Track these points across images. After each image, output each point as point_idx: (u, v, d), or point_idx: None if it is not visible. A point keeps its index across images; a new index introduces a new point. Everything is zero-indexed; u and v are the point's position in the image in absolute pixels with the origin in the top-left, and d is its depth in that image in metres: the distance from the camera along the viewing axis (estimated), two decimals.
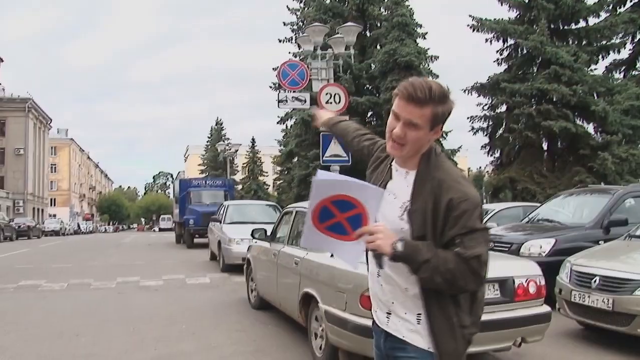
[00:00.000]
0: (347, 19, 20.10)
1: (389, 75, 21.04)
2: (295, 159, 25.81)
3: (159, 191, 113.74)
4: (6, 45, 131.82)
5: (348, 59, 12.55)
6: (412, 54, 20.68)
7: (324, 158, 9.70)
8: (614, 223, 6.63)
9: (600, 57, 19.98)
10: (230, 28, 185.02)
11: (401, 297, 1.71)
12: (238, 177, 49.21)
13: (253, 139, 48.59)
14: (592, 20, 19.64)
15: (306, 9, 24.99)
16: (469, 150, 28.95)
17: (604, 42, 19.70)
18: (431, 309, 1.65)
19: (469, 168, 59.41)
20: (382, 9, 23.96)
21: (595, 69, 19.89)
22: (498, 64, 20.58)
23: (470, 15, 19.72)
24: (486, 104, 20.46)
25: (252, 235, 6.71)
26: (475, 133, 20.62)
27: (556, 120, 17.37)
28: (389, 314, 1.75)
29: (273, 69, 22.40)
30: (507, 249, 6.57)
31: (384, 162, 1.85)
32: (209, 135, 60.94)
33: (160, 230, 56.00)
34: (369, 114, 23.76)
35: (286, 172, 31.62)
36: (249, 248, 7.22)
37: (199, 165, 60.53)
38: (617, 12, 20.24)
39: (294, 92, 10.86)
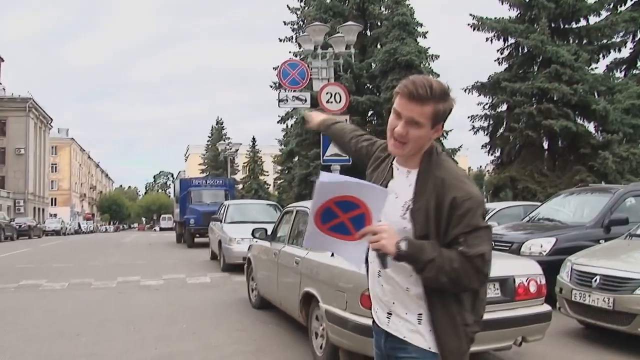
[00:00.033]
0: (348, 18, 20.10)
1: (390, 74, 21.03)
2: (296, 159, 25.81)
3: (160, 191, 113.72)
4: (6, 45, 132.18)
5: (349, 58, 12.55)
6: (413, 53, 20.67)
7: (324, 157, 9.69)
8: (614, 222, 6.63)
9: (601, 56, 19.97)
10: (230, 28, 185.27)
11: (402, 298, 1.70)
12: (239, 176, 49.20)
13: (254, 139, 48.66)
14: (593, 19, 19.66)
15: (306, 8, 24.99)
16: (470, 150, 28.97)
17: (604, 40, 19.68)
18: (434, 308, 1.65)
19: (470, 167, 59.35)
20: (383, 8, 23.94)
21: (596, 68, 19.91)
22: (499, 63, 20.58)
23: (470, 14, 19.74)
24: (487, 103, 20.48)
25: (252, 234, 6.71)
26: (475, 132, 20.64)
27: (557, 119, 17.36)
28: (390, 314, 1.74)
29: (273, 68, 22.44)
30: (507, 248, 6.58)
31: (384, 162, 1.84)
32: (210, 135, 60.94)
33: (161, 229, 56.05)
34: (370, 113, 23.76)
35: (287, 172, 31.64)
36: (250, 247, 7.23)
37: (200, 164, 60.54)
38: (618, 11, 20.23)
39: (294, 91, 10.86)
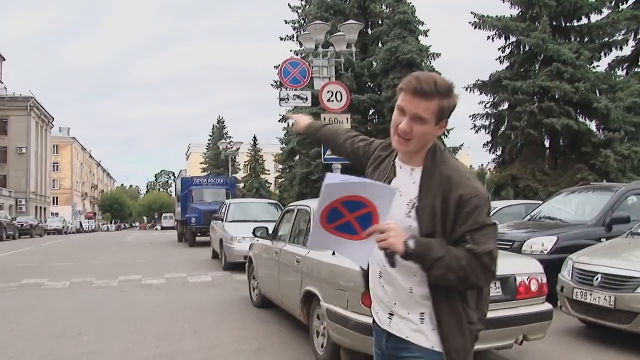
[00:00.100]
0: (349, 16, 20.08)
1: (391, 72, 21.03)
2: (297, 157, 25.83)
3: (161, 190, 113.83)
4: (7, 45, 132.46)
5: (350, 56, 12.52)
6: (414, 51, 20.66)
7: (325, 156, 9.69)
8: (616, 220, 6.62)
9: (602, 54, 19.96)
10: (230, 28, 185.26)
11: (404, 298, 1.69)
12: (240, 175, 49.21)
13: (255, 137, 48.66)
14: (594, 17, 19.64)
15: (307, 6, 25.01)
16: (471, 148, 28.92)
17: (606, 39, 19.65)
18: (440, 306, 1.63)
19: (471, 166, 59.25)
20: (384, 7, 23.92)
21: (597, 66, 19.90)
22: (500, 61, 20.56)
23: (472, 12, 19.73)
24: (488, 102, 20.47)
25: (253, 233, 6.70)
26: (477, 131, 20.62)
27: (558, 118, 17.34)
28: (391, 314, 1.73)
29: (274, 67, 22.44)
30: (509, 247, 6.56)
31: (385, 160, 1.82)
32: (211, 134, 60.93)
33: (162, 228, 56.16)
34: (371, 111, 23.76)
35: (288, 170, 31.66)
36: (251, 246, 7.22)
37: (201, 163, 60.53)
38: (619, 9, 20.20)
39: (295, 90, 10.84)
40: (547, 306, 4.12)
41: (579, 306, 5.01)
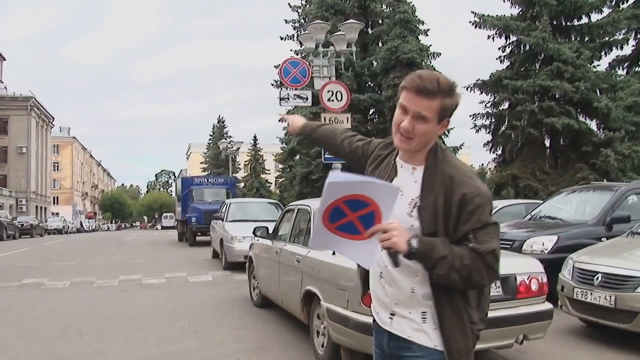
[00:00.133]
0: (349, 16, 20.09)
1: (391, 72, 21.03)
2: (297, 157, 25.83)
3: (161, 189, 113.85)
4: (7, 44, 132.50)
5: (350, 56, 12.52)
6: (414, 51, 20.66)
7: (325, 156, 9.69)
8: (616, 220, 6.62)
9: (602, 53, 19.93)
10: (231, 28, 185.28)
11: (405, 298, 1.68)
12: (240, 175, 49.24)
13: (255, 137, 48.69)
14: (595, 17, 19.60)
15: (308, 6, 25.01)
16: (471, 148, 28.95)
17: (606, 38, 19.62)
18: (442, 306, 1.63)
19: (472, 165, 59.31)
20: (384, 6, 23.92)
21: (598, 66, 19.87)
22: (500, 61, 20.53)
23: (472, 12, 19.70)
24: (488, 101, 20.44)
25: (254, 233, 6.70)
26: (477, 131, 20.60)
27: (559, 117, 17.33)
28: (393, 314, 1.72)
29: (275, 66, 22.43)
30: (509, 246, 6.56)
31: (386, 160, 1.81)
32: (211, 133, 60.96)
33: (163, 228, 56.17)
34: (371, 111, 23.76)
35: (288, 170, 31.65)
36: (251, 246, 7.22)
37: (201, 163, 60.58)
38: (620, 8, 20.17)
39: (295, 89, 10.84)
40: (548, 306, 4.12)
41: (580, 306, 5.01)
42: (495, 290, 3.85)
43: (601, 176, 16.26)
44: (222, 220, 12.36)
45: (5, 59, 54.07)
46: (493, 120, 20.54)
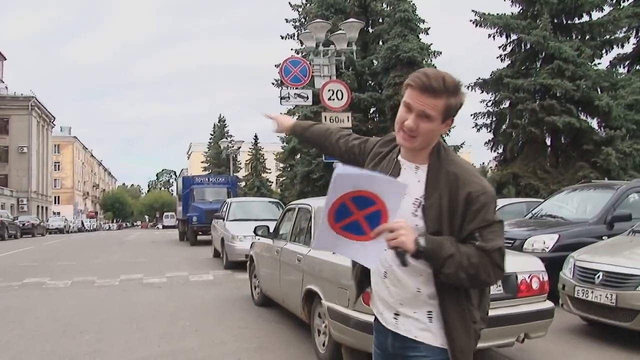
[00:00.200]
0: (350, 15, 20.08)
1: (392, 71, 21.00)
2: (298, 156, 25.81)
3: (162, 189, 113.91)
4: (7, 44, 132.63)
5: (350, 55, 12.51)
6: (415, 49, 20.63)
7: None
8: (617, 218, 6.61)
9: (603, 51, 19.88)
10: (231, 28, 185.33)
11: (410, 298, 1.67)
12: (241, 174, 49.25)
13: (256, 136, 48.70)
14: (596, 15, 19.55)
15: (308, 5, 24.97)
16: (472, 146, 28.94)
17: (607, 36, 19.58)
18: (446, 305, 1.62)
19: (472, 164, 59.43)
20: (385, 5, 23.90)
21: (598, 64, 19.80)
22: (501, 59, 20.49)
23: (473, 10, 19.64)
24: (489, 100, 20.41)
25: (255, 232, 6.70)
26: (478, 129, 20.57)
27: (560, 116, 17.30)
28: (397, 314, 1.70)
29: (275, 65, 22.41)
30: (510, 245, 6.55)
31: (387, 157, 1.79)
32: (212, 133, 60.98)
33: (164, 227, 56.24)
34: (372, 110, 23.74)
35: (289, 169, 31.63)
36: (252, 245, 7.23)
37: (202, 162, 60.60)
38: (621, 6, 20.11)
39: (296, 88, 10.84)
40: (549, 304, 4.12)
41: (581, 304, 5.01)
42: (496, 288, 3.85)
43: (602, 174, 16.25)
44: (223, 219, 12.36)
45: (5, 59, 54.11)
46: (494, 119, 20.50)
